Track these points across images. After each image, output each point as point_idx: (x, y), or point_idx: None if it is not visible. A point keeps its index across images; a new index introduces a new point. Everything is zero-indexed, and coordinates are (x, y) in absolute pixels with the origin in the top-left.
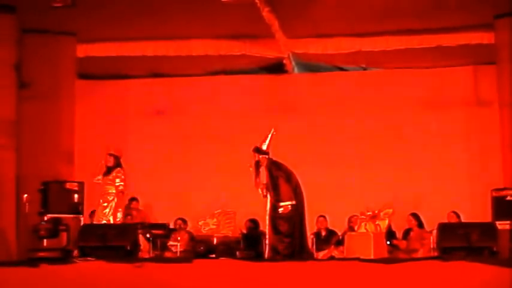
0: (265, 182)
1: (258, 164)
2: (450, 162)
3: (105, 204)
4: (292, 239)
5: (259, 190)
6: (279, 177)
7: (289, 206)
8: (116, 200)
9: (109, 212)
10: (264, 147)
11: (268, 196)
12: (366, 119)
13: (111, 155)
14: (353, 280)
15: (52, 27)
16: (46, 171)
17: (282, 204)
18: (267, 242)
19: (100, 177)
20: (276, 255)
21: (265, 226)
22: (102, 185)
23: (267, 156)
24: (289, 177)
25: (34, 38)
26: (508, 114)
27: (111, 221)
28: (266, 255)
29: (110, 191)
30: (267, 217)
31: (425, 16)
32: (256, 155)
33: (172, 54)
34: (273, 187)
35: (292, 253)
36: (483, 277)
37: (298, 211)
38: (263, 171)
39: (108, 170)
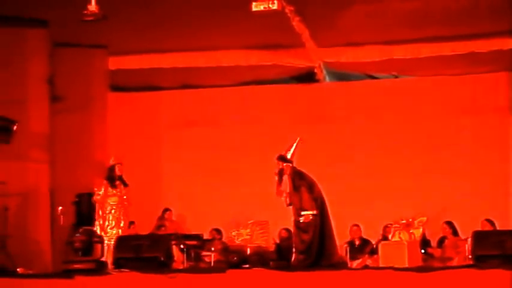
0: (288, 190)
1: (281, 172)
2: (484, 169)
3: (111, 216)
4: (310, 249)
5: (282, 198)
6: (301, 187)
7: (310, 216)
8: (121, 211)
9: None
10: (289, 156)
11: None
12: (398, 127)
13: (120, 164)
14: None
15: (84, 41)
16: (80, 184)
17: (303, 213)
18: (293, 250)
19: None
20: (297, 263)
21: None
22: (112, 196)
23: (290, 165)
24: (311, 187)
25: (66, 51)
26: None
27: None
28: (290, 264)
29: (113, 202)
30: (293, 226)
31: (456, 23)
32: (280, 163)
33: (203, 66)
34: (295, 196)
35: (308, 262)
36: None
37: (319, 221)
38: (286, 179)
39: (113, 179)
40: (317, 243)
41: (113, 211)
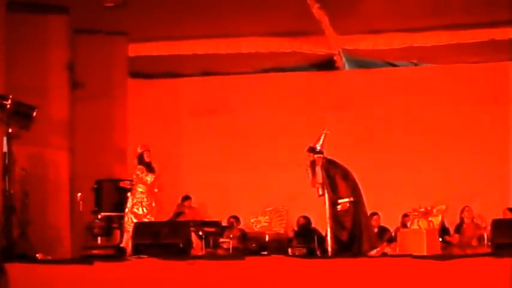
0: (320, 181)
1: (313, 164)
2: (504, 158)
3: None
4: (353, 236)
5: (316, 189)
6: (336, 175)
7: (348, 203)
8: (153, 198)
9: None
10: (318, 147)
11: (326, 195)
12: (418, 115)
13: (148, 150)
14: (406, 277)
15: (104, 27)
16: (99, 170)
17: (340, 201)
18: (329, 240)
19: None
20: (338, 252)
21: (319, 223)
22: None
23: (322, 156)
24: (346, 175)
25: (86, 38)
26: None
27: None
28: (330, 253)
29: (143, 190)
30: (328, 216)
31: (476, 10)
32: (311, 154)
33: (223, 52)
34: (331, 185)
35: (351, 249)
36: None
37: (357, 208)
38: (319, 170)
39: (149, 166)
40: (357, 229)
41: (144, 198)
